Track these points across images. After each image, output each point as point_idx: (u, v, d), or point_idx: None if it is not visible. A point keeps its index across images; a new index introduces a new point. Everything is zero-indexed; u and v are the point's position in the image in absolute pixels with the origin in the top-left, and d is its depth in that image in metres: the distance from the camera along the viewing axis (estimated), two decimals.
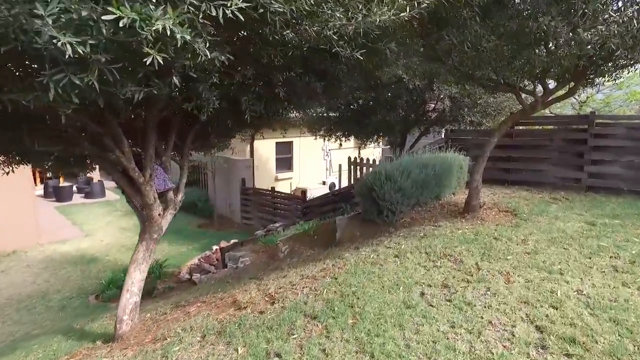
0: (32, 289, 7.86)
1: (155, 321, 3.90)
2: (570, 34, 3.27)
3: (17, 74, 2.14)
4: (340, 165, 11.11)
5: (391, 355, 2.33)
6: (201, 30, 1.98)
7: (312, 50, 2.98)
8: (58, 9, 1.49)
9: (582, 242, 3.84)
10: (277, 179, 13.87)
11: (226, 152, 6.95)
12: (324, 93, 4.03)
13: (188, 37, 1.85)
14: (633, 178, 5.88)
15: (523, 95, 4.89)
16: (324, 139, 10.37)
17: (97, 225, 11.97)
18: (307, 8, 2.28)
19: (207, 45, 2.04)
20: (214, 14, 1.84)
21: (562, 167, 6.51)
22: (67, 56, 1.59)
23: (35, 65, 2.07)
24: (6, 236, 9.63)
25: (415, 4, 2.52)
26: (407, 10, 2.49)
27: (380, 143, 13.29)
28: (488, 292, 2.95)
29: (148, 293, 6.35)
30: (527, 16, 3.40)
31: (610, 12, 3.19)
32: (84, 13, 1.56)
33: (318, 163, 15.23)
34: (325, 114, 8.99)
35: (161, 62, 1.84)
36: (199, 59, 2.09)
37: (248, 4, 1.89)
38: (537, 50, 3.75)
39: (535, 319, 2.56)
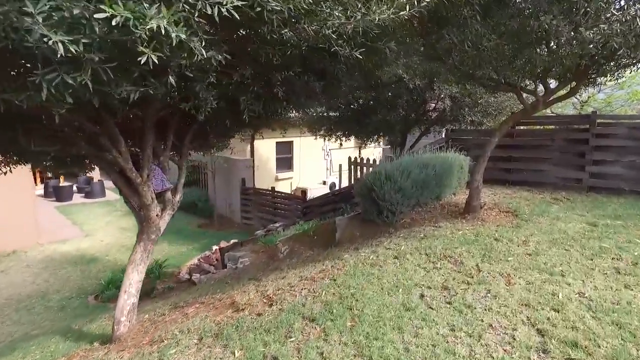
0: (31, 289, 7.84)
1: (153, 322, 3.87)
2: (572, 32, 3.23)
3: (10, 73, 2.11)
4: (340, 165, 11.07)
5: (390, 359, 2.30)
6: (197, 29, 1.95)
7: (311, 50, 2.95)
8: (49, 6, 1.46)
9: (584, 244, 3.80)
10: (277, 179, 13.84)
11: (226, 152, 6.92)
12: (323, 92, 4.00)
13: (183, 36, 1.82)
14: (635, 178, 5.83)
15: (524, 95, 4.86)
16: (325, 139, 10.35)
17: (97, 225, 11.96)
18: (305, 6, 2.25)
19: (204, 44, 2.01)
20: (209, 12, 1.81)
21: (564, 167, 6.47)
22: (59, 55, 1.56)
23: (29, 65, 2.04)
24: (6, 236, 9.62)
25: (415, 3, 2.48)
26: (407, 9, 2.45)
27: (381, 143, 13.26)
28: (488, 295, 2.91)
29: (147, 293, 6.34)
30: (528, 15, 3.36)
31: (613, 11, 3.15)
32: (75, 11, 1.53)
33: (318, 163, 15.20)
34: (325, 114, 8.96)
35: (156, 61, 1.82)
36: (195, 58, 2.06)
37: (244, 2, 1.86)
38: (538, 50, 3.71)
39: (537, 322, 2.52)
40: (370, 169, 8.22)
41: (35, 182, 13.69)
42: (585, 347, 2.24)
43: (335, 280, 3.45)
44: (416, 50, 4.34)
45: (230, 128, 4.57)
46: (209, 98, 2.93)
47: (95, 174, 14.61)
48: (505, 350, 2.29)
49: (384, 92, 7.84)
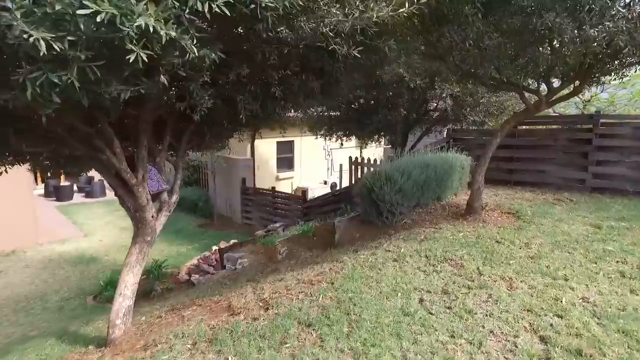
0: (30, 289, 7.80)
1: (149, 325, 3.82)
2: (576, 31, 3.16)
3: None
4: (341, 165, 11.00)
5: None
6: (188, 27, 1.89)
7: (308, 48, 2.89)
8: (28, 1, 1.40)
9: (588, 246, 3.72)
10: (278, 179, 13.79)
11: (226, 151, 6.86)
12: (321, 92, 3.93)
13: (173, 34, 1.76)
14: (639, 179, 5.75)
15: (526, 94, 4.78)
16: (325, 139, 10.29)
17: (97, 225, 11.93)
18: (301, 3, 2.18)
19: (196, 42, 1.94)
20: (199, 8, 1.75)
21: (566, 167, 6.39)
22: (41, 53, 1.50)
23: (17, 63, 1.98)
24: (5, 236, 9.59)
25: (415, 0, 2.42)
26: (406, 7, 2.39)
27: (382, 142, 13.18)
28: (490, 299, 2.84)
29: (146, 294, 6.28)
30: (531, 12, 3.29)
31: (618, 8, 3.07)
32: (57, 7, 1.46)
33: (319, 162, 15.14)
34: (325, 114, 8.90)
35: (145, 59, 1.75)
36: (187, 57, 1.99)
37: None
38: (541, 48, 3.65)
39: (539, 329, 2.45)
40: (371, 168, 8.15)
41: (36, 181, 13.68)
42: (590, 356, 2.17)
43: (333, 283, 3.39)
44: (416, 49, 4.27)
45: (227, 128, 4.51)
46: (204, 97, 2.87)
47: (96, 174, 14.57)
48: (506, 359, 2.22)
49: (385, 92, 7.76)
